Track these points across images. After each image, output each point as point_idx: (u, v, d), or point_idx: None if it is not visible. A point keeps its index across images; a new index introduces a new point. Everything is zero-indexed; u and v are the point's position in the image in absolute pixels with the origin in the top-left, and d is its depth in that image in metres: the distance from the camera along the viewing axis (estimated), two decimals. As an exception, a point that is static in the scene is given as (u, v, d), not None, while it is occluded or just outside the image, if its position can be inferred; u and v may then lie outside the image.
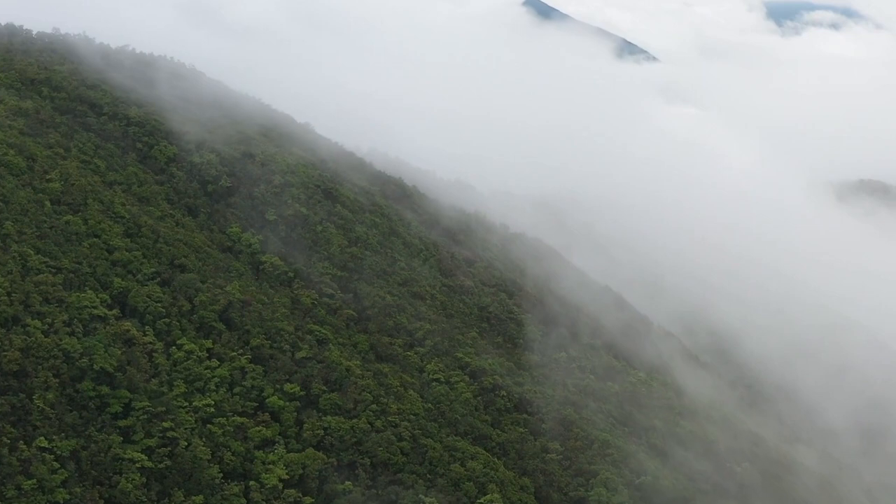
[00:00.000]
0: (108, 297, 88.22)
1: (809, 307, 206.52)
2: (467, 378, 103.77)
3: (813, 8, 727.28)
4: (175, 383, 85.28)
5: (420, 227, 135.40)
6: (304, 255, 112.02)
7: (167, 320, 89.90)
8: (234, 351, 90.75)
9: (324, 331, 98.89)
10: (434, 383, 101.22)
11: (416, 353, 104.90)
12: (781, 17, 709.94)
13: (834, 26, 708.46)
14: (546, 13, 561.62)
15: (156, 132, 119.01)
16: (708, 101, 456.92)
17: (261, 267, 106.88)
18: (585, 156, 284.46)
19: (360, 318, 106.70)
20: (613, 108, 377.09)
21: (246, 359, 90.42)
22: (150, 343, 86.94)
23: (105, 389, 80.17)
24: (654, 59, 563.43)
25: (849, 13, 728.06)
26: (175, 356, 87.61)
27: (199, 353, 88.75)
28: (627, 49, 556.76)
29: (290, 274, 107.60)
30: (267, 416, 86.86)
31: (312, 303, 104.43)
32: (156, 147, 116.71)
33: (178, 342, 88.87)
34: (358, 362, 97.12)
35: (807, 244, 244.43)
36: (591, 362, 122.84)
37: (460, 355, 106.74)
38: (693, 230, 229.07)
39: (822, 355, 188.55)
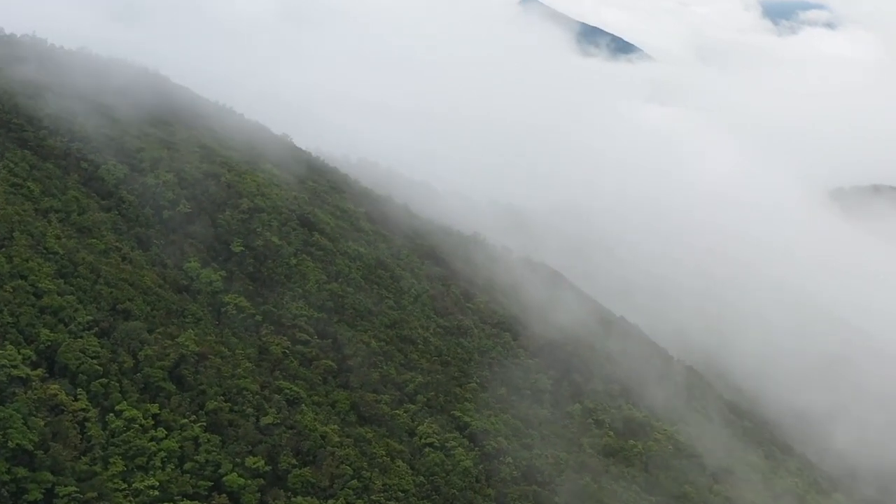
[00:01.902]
0: (32, 352, 75.69)
1: (823, 322, 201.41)
2: (466, 442, 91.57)
3: (808, 7, 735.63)
4: (111, 460, 72.73)
5: (411, 255, 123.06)
6: (274, 295, 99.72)
7: (104, 380, 77.31)
8: (185, 417, 78.18)
9: (296, 388, 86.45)
10: (427, 450, 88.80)
11: (405, 412, 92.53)
12: (777, 16, 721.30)
13: (829, 25, 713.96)
14: (537, 10, 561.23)
15: (104, 148, 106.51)
16: (702, 101, 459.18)
17: (222, 310, 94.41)
18: (572, 162, 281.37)
19: (339, 369, 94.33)
20: (602, 107, 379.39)
21: (200, 427, 77.86)
22: (83, 410, 74.45)
23: (22, 472, 67.67)
24: (650, 57, 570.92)
25: (844, 12, 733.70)
26: (113, 425, 75.09)
27: (143, 422, 76.22)
28: (623, 48, 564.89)
29: (258, 318, 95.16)
30: (224, 499, 74.24)
31: (283, 353, 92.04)
32: (103, 167, 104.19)
33: (118, 408, 76.33)
34: (336, 427, 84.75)
35: (813, 251, 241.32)
36: (609, 414, 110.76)
37: (458, 413, 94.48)
38: (684, 236, 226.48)
39: (837, 377, 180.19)
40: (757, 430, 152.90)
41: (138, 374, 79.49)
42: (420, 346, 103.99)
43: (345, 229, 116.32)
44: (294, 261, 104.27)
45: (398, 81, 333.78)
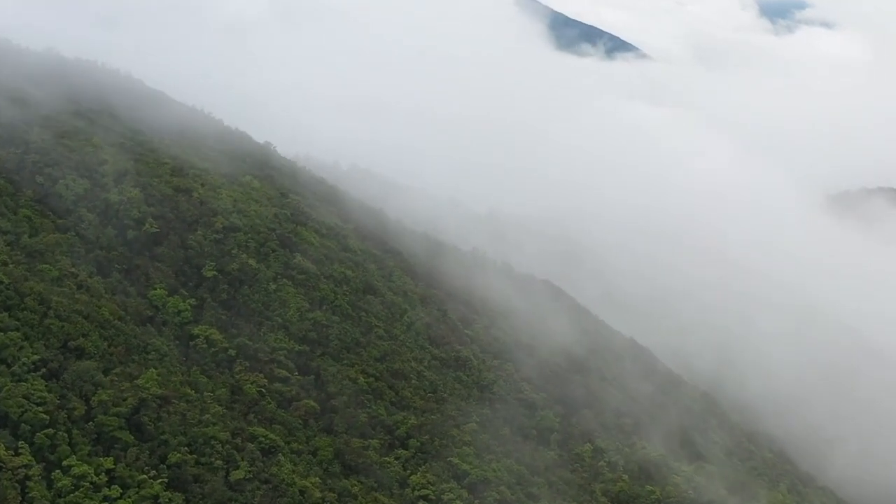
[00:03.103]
0: (-33, 400, 67.54)
1: (826, 327, 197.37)
2: (465, 493, 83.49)
3: (804, 6, 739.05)
4: (56, 526, 64.56)
5: (404, 276, 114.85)
6: (251, 325, 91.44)
7: (51, 431, 69.22)
8: (144, 473, 70.08)
9: (272, 435, 78.34)
10: (421, 503, 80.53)
11: (396, 460, 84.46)
12: (774, 15, 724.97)
13: (827, 24, 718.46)
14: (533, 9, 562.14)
15: (62, 161, 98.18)
16: (699, 101, 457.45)
17: (191, 344, 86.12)
18: (566, 165, 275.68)
19: (322, 410, 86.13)
20: (596, 108, 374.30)
21: (160, 484, 69.77)
22: (24, 466, 66.60)
23: (-51, 543, 59.43)
24: (647, 56, 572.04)
25: (841, 10, 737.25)
26: (59, 484, 67.12)
27: (95, 479, 68.27)
28: (620, 47, 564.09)
29: (231, 352, 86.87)
30: (187, 569, 66.14)
31: (259, 392, 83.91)
32: (61, 182, 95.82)
33: (65, 463, 68.31)
34: (317, 479, 76.81)
35: (811, 254, 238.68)
36: (622, 455, 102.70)
37: (456, 460, 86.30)
38: (679, 239, 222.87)
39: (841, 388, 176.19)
40: (777, 460, 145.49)
41: (90, 423, 71.51)
42: (413, 381, 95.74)
43: (331, 249, 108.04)
44: (273, 286, 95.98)
45: (391, 81, 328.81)
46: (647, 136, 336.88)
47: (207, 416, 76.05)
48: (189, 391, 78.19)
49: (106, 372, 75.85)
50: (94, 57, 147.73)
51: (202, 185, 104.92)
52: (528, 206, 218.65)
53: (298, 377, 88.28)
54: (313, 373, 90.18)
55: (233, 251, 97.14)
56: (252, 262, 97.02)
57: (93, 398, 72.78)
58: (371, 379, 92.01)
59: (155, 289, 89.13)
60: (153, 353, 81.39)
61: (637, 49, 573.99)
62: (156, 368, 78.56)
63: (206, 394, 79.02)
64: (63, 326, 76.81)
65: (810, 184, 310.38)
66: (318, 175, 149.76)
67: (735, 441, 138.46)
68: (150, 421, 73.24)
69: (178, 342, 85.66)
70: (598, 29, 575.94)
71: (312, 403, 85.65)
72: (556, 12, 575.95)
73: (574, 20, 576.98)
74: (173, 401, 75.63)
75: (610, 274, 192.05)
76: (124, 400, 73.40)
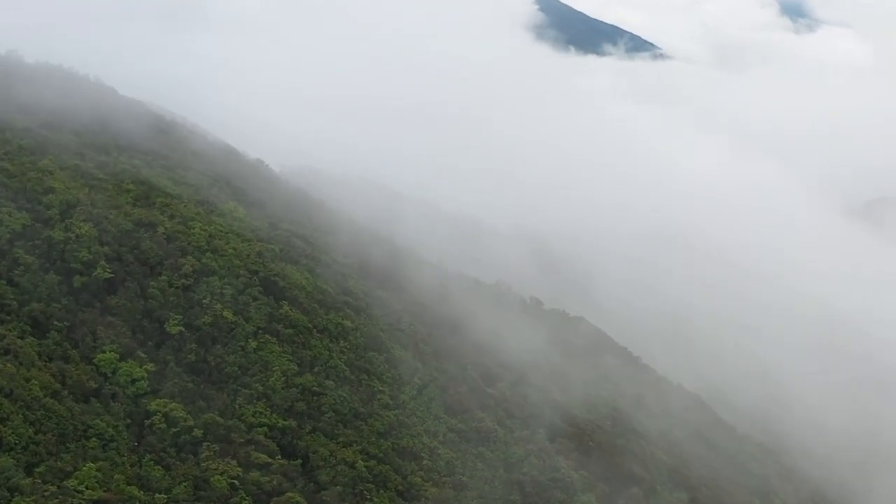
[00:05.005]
0: None
1: (847, 335, 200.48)
2: None
3: (827, 4, 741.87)
4: None
5: (415, 325, 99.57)
6: (224, 395, 76.41)
7: (-54, 558, 54.24)
8: None
9: (243, 552, 63.04)
10: None
11: (404, 573, 68.95)
12: (795, 13, 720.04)
13: (844, 25, 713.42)
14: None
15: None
16: (715, 103, 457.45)
17: (147, 423, 71.01)
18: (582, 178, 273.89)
19: (311, 506, 70.84)
20: (609, 111, 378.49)
21: None
22: None
23: None
24: (664, 56, 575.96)
25: (861, 9, 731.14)
26: None
27: None
28: (639, 46, 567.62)
29: (198, 432, 71.77)
30: None
31: (231, 485, 68.86)
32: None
33: None
34: None
35: (835, 263, 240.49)
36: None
37: (479, 572, 70.75)
38: (694, 247, 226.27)
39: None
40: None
41: (0, 545, 56.48)
42: (426, 461, 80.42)
43: (326, 294, 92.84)
44: (253, 344, 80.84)
45: (399, 82, 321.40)
46: (660, 139, 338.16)
47: (159, 526, 61.04)
48: (137, 492, 63.11)
49: (31, 469, 61.13)
50: (63, 60, 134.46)
51: (171, 216, 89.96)
52: (545, 221, 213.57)
53: (281, 462, 73.09)
54: (300, 455, 75.06)
55: (204, 301, 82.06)
56: (228, 313, 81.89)
57: (7, 509, 57.96)
58: (372, 462, 76.74)
59: (104, 352, 74.16)
60: (95, 439, 66.59)
61: (656, 48, 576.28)
62: (95, 462, 63.74)
63: (157, 496, 63.82)
64: (-25, 409, 62.03)
65: (831, 189, 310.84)
66: (316, 196, 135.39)
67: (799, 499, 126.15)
68: (80, 539, 58.30)
69: (129, 422, 70.63)
70: (619, 28, 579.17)
71: (298, 498, 70.39)
72: (575, 11, 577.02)
73: (594, 19, 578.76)
74: (115, 507, 60.66)
75: (624, 285, 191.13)
76: (49, 510, 58.49)
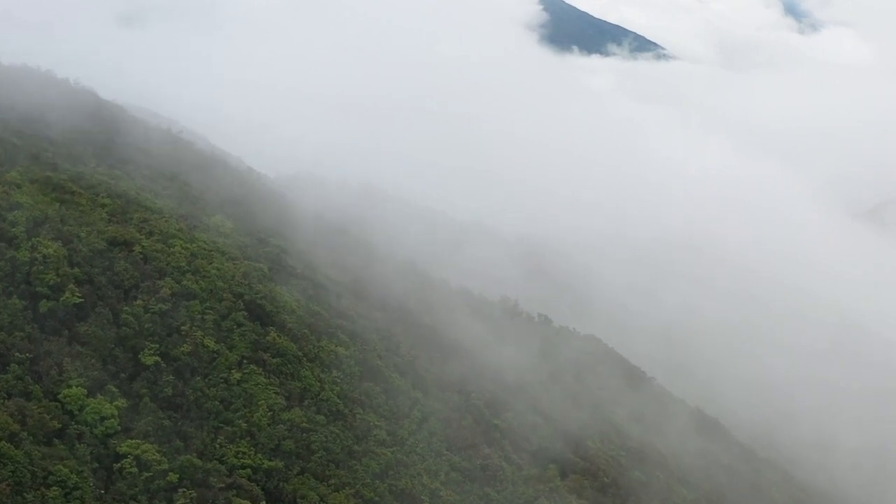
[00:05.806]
0: None
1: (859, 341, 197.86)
2: None
3: (831, 3, 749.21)
4: None
5: (416, 349, 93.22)
6: (203, 434, 70.10)
7: None
8: None
9: None
10: None
11: None
12: (799, 13, 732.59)
13: (849, 24, 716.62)
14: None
15: (-40, 206, 77.33)
16: (720, 103, 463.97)
17: (116, 467, 64.63)
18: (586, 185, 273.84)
19: (299, 561, 64.47)
20: (615, 111, 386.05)
21: None
22: None
23: None
24: (668, 56, 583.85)
25: (868, 9, 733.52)
26: None
27: None
28: (643, 46, 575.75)
29: (173, 477, 65.38)
30: None
31: (208, 539, 62.28)
32: (-48, 235, 74.85)
33: None
34: None
35: (846, 266, 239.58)
36: None
37: None
38: (702, 250, 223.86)
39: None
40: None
41: None
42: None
43: (320, 317, 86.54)
44: (237, 376, 74.57)
45: (402, 83, 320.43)
46: (665, 139, 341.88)
47: (124, 591, 54.67)
48: (101, 550, 56.79)
49: (-20, 525, 54.74)
50: (41, 64, 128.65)
51: (149, 234, 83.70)
52: (548, 225, 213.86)
53: (266, 511, 66.77)
54: (287, 500, 68.83)
55: (183, 328, 75.73)
56: (209, 341, 75.60)
57: (-51, 575, 51.60)
58: (368, 507, 70.44)
59: (70, 386, 67.76)
60: (56, 487, 60.10)
61: (660, 48, 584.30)
62: (56, 514, 57.34)
63: (124, 555, 57.53)
64: (-82, 457, 55.71)
65: (838, 190, 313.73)
66: (315, 207, 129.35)
67: None
68: None
69: (96, 466, 64.20)
70: (623, 28, 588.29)
71: (284, 553, 64.10)
72: (579, 11, 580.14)
73: (598, 19, 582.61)
74: (74, 569, 54.31)
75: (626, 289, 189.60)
76: (-2, 575, 52.16)
